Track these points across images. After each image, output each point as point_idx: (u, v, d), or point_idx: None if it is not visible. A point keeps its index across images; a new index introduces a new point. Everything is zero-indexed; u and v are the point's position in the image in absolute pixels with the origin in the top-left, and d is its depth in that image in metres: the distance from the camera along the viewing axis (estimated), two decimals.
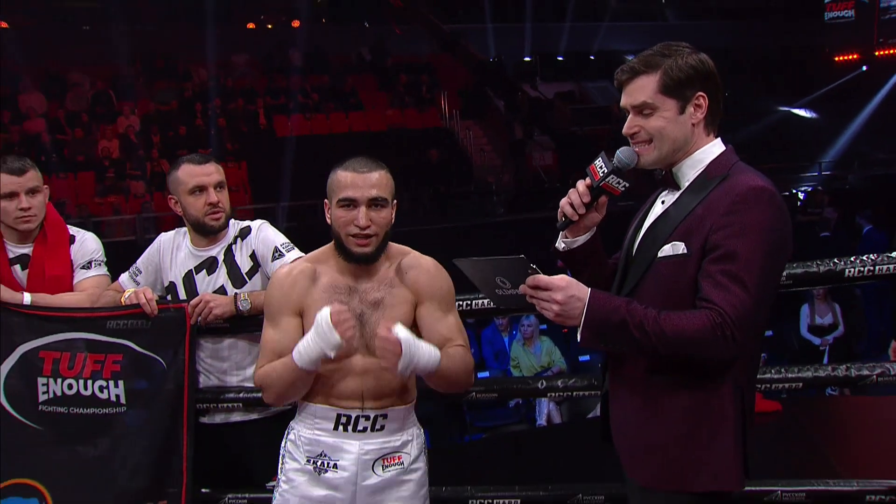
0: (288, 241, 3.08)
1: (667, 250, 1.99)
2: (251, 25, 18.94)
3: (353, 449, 2.41)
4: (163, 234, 3.23)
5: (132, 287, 3.13)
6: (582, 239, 2.16)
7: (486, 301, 2.82)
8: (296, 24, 18.42)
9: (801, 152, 16.84)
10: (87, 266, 3.20)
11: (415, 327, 2.42)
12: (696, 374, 1.95)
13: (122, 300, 3.03)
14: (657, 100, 2.01)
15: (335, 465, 2.40)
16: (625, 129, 2.07)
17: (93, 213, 12.31)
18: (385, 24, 18.86)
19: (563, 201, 2.11)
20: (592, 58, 19.21)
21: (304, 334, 2.35)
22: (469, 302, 2.87)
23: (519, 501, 2.87)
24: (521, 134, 14.87)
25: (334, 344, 2.24)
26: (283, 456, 2.49)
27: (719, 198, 1.95)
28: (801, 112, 19.19)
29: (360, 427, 2.41)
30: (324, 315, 2.24)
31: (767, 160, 13.25)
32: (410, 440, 2.48)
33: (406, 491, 2.44)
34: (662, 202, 2.11)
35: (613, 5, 19.75)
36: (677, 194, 2.07)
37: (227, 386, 3.09)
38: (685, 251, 1.96)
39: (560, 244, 2.19)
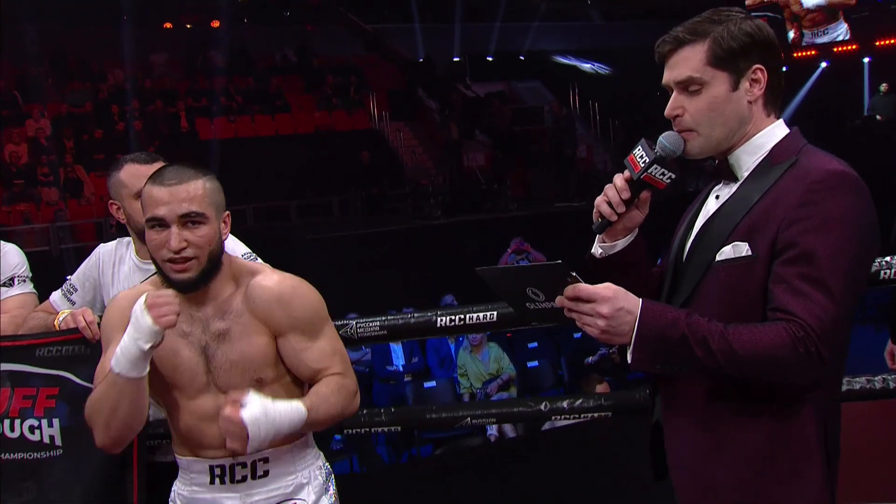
0: (250, 250, 2.72)
1: (727, 252, 1.70)
2: (168, 25, 18.41)
3: (234, 503, 2.11)
4: (102, 245, 2.83)
5: (67, 307, 2.72)
6: (622, 243, 1.85)
7: (485, 315, 2.51)
8: (215, 24, 18.02)
9: None
10: (10, 283, 2.78)
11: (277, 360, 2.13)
12: (769, 398, 1.66)
13: (56, 324, 2.61)
14: (706, 73, 1.72)
15: None
16: (667, 111, 1.78)
17: (0, 223, 11.68)
18: (309, 23, 18.52)
19: (599, 199, 1.80)
20: (522, 58, 19.21)
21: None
22: (462, 317, 2.55)
23: None
24: (456, 134, 14.73)
25: (146, 330, 1.89)
26: None
27: (790, 186, 1.65)
28: None
29: (237, 477, 2.10)
30: (139, 301, 1.92)
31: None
32: (306, 483, 2.17)
33: None
34: (717, 197, 1.81)
35: (541, 6, 19.78)
36: (735, 187, 1.77)
37: None
38: (750, 252, 1.67)
39: (596, 250, 1.87)
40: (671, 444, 1.83)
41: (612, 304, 1.62)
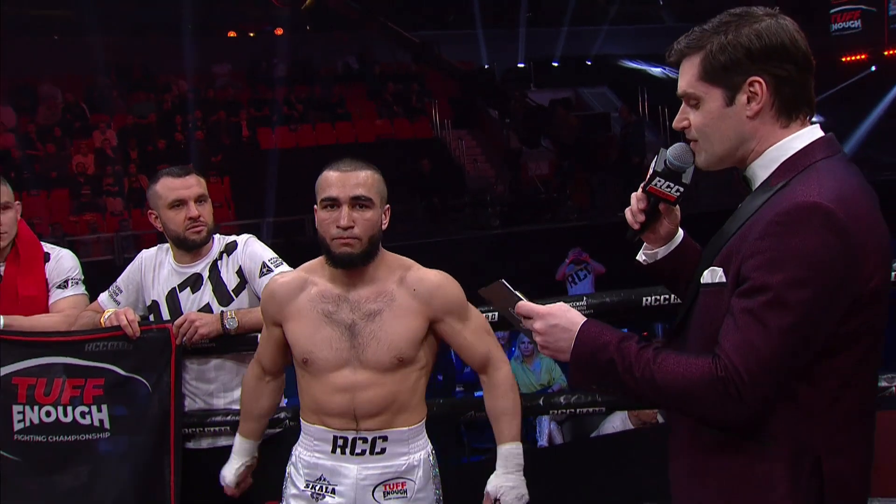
0: (276, 256, 3.06)
1: (706, 277, 1.65)
2: (232, 34, 18.93)
3: (350, 473, 2.37)
4: (144, 251, 3.20)
5: (112, 307, 3.09)
6: (662, 251, 1.89)
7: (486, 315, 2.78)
8: (279, 32, 18.42)
9: None
10: (64, 285, 3.15)
11: (426, 341, 2.44)
12: (745, 432, 1.60)
13: (102, 321, 2.99)
14: (699, 89, 1.66)
15: (333, 490, 2.37)
16: (674, 122, 1.75)
17: (67, 233, 12.21)
18: (370, 31, 18.75)
19: (627, 208, 1.87)
20: (589, 63, 19.23)
21: (284, 343, 2.50)
22: None
23: None
24: (516, 143, 14.83)
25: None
26: (286, 478, 2.49)
27: (765, 213, 1.56)
28: None
29: (357, 450, 2.36)
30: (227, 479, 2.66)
31: None
32: (417, 466, 2.40)
33: None
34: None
35: (610, 9, 19.69)
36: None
37: (214, 409, 3.06)
38: (722, 279, 1.61)
39: (640, 256, 1.94)
40: (671, 466, 1.82)
41: (545, 320, 1.68)
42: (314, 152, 15.06)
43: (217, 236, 3.12)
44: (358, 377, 2.35)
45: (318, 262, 2.47)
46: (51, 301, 3.14)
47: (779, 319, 1.50)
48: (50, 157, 13.83)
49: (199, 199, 3.02)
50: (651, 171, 1.79)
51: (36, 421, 2.89)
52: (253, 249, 3.07)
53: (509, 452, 2.38)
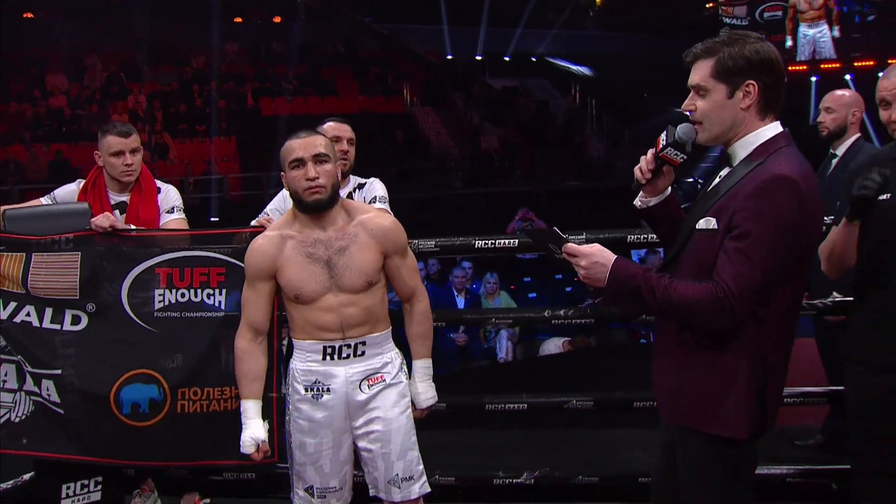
0: (387, 196, 3.14)
1: (702, 224, 1.91)
2: (238, 20, 18.64)
3: (340, 374, 2.48)
4: (284, 189, 3.05)
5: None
6: (655, 200, 2.09)
7: (509, 241, 2.98)
8: (277, 19, 18.25)
9: None
10: (171, 211, 3.26)
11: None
12: (718, 337, 1.89)
13: (253, 222, 3.02)
14: (709, 83, 1.90)
15: (328, 389, 2.48)
16: (683, 105, 1.98)
17: None
18: (354, 22, 18.56)
19: (637, 167, 2.05)
20: (534, 59, 19.35)
21: (277, 291, 2.51)
22: (493, 242, 3.06)
23: (526, 406, 3.07)
24: (477, 120, 14.97)
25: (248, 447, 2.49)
26: (288, 392, 2.56)
27: (749, 182, 1.85)
28: None
29: (343, 355, 2.47)
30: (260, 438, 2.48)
31: None
32: (390, 361, 2.53)
33: (389, 400, 2.50)
34: (720, 177, 1.99)
35: (557, 18, 19.71)
36: (726, 172, 1.98)
37: None
38: (715, 227, 1.87)
39: (637, 202, 2.12)
40: (657, 358, 2.07)
41: (588, 259, 1.92)
42: (307, 120, 14.80)
43: (352, 176, 3.20)
44: (340, 299, 2.44)
45: (284, 220, 2.52)
46: (161, 223, 3.23)
47: (760, 256, 1.79)
48: (93, 116, 13.61)
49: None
50: (663, 142, 1.96)
51: (173, 301, 2.93)
52: (374, 186, 3.17)
53: (422, 366, 2.57)
